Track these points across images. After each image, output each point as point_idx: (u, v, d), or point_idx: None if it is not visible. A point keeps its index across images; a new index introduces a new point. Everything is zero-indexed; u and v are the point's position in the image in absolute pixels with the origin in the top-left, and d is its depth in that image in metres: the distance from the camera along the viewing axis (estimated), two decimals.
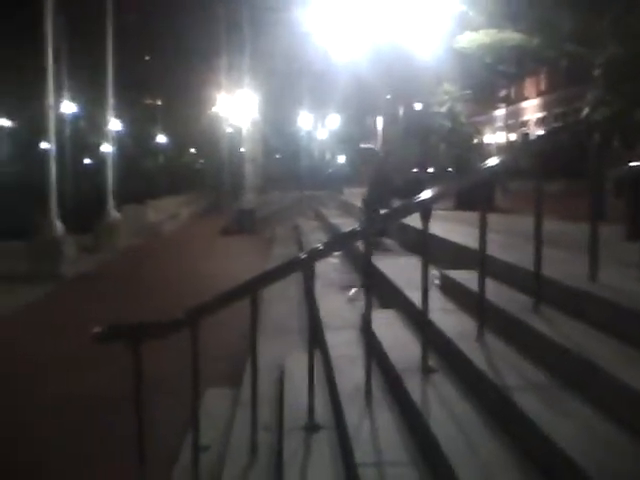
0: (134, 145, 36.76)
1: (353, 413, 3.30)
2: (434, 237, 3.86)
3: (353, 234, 3.87)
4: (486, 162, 3.51)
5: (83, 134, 30.02)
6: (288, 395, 4.09)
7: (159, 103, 41.52)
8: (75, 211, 15.16)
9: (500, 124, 33.58)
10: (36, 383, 5.91)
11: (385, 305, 5.36)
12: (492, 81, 20.66)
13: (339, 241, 4.95)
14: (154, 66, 34.54)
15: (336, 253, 8.43)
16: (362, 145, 11.00)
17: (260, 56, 21.98)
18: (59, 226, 12.52)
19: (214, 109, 29.80)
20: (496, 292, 3.71)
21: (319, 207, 19.19)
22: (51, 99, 12.84)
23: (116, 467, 4.08)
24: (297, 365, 4.35)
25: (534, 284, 3.36)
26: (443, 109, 14.05)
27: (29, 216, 13.20)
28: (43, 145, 20.92)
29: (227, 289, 3.73)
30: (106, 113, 18.56)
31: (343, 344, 4.62)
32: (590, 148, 3.47)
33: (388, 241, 8.16)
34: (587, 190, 3.67)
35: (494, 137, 32.55)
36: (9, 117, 36.32)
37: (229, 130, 30.68)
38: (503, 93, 31.63)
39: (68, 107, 26.27)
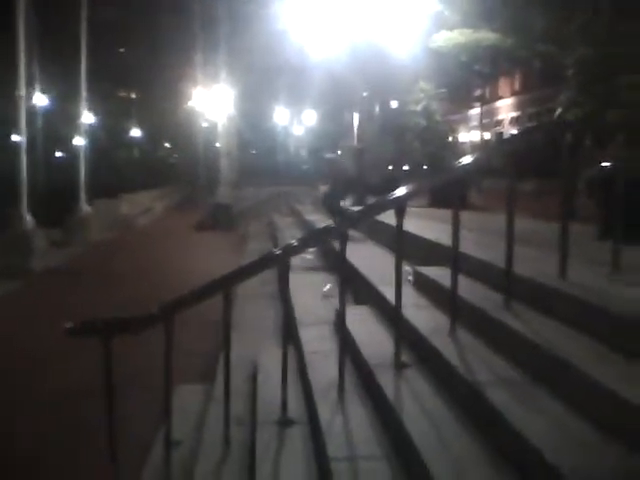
0: (108, 138, 36.29)
1: (326, 408, 3.31)
2: (408, 233, 3.88)
3: (327, 230, 3.87)
4: (460, 160, 3.54)
5: (55, 127, 29.50)
6: (261, 390, 4.09)
7: (134, 96, 41.04)
8: (46, 204, 14.92)
9: (475, 123, 33.89)
10: (5, 378, 5.81)
11: (359, 301, 5.38)
12: (467, 80, 20.86)
13: (314, 237, 4.94)
14: (129, 59, 34.13)
15: (311, 249, 8.44)
16: (327, 155, 11.03)
17: (237, 51, 21.83)
18: (29, 219, 12.30)
19: (190, 103, 29.55)
20: (468, 289, 3.75)
21: (294, 203, 19.15)
22: (22, 90, 12.59)
23: (87, 461, 4.04)
24: (271, 361, 4.35)
25: (505, 281, 3.40)
26: (419, 107, 14.15)
27: None
28: (14, 137, 20.55)
29: (201, 285, 3.72)
30: (79, 106, 18.27)
31: (317, 340, 4.63)
32: (563, 148, 3.52)
33: (356, 234, 8.17)
34: (559, 189, 3.72)
35: (469, 136, 32.85)
36: None
37: (204, 125, 30.46)
38: (478, 92, 31.94)
39: (40, 99, 25.80)
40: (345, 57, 12.25)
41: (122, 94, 40.99)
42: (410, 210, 3.42)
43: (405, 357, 3.47)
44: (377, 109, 20.16)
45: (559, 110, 10.09)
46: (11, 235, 11.96)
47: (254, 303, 7.56)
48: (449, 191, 3.53)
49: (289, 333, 3.90)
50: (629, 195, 3.61)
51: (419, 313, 3.98)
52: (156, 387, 3.68)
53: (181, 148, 42.72)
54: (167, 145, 50.37)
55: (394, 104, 19.04)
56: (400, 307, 3.42)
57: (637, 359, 2.50)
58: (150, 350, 3.89)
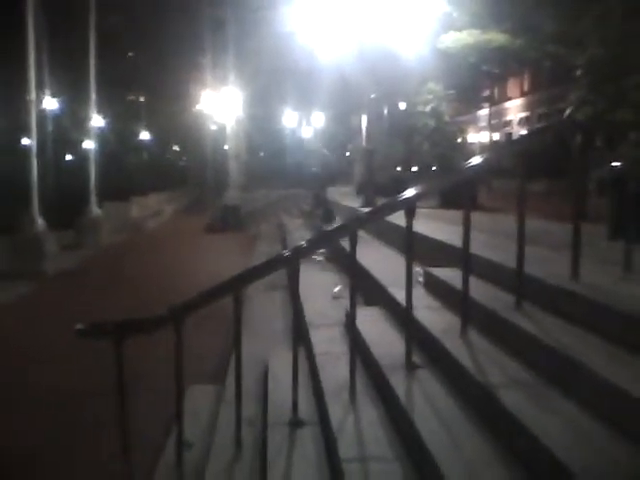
0: (117, 141, 36.42)
1: (337, 409, 3.31)
2: (417, 234, 3.88)
3: (337, 231, 3.88)
4: (470, 161, 3.53)
5: (65, 130, 29.64)
6: (272, 392, 4.09)
7: (143, 100, 41.18)
8: (57, 208, 14.98)
9: (484, 124, 33.79)
10: (17, 378, 5.85)
11: (369, 302, 5.37)
12: (476, 81, 20.82)
13: (323, 239, 4.95)
14: (138, 63, 34.25)
15: (320, 251, 8.45)
16: (313, 169, 11.04)
17: (245, 54, 21.89)
18: (41, 223, 12.40)
19: (198, 106, 29.63)
20: (479, 290, 3.74)
21: (303, 205, 19.18)
22: (33, 94, 12.69)
23: (100, 462, 4.06)
24: (281, 362, 4.35)
25: (517, 282, 3.39)
26: (427, 108, 14.12)
27: (10, 212, 13.04)
28: (25, 141, 20.68)
29: (211, 286, 3.73)
30: (88, 109, 18.38)
31: (327, 341, 4.64)
32: (573, 148, 3.51)
33: (366, 235, 8.17)
34: (570, 190, 3.71)
35: (477, 136, 32.74)
36: None
37: (213, 127, 30.53)
38: (487, 93, 31.85)
39: (50, 103, 25.96)
40: (353, 59, 12.24)
41: (131, 97, 41.14)
42: (420, 211, 3.42)
43: (416, 358, 3.46)
44: (385, 111, 20.15)
45: (569, 110, 10.04)
46: (23, 238, 12.05)
47: (264, 303, 7.58)
48: (459, 192, 3.52)
49: (300, 334, 3.91)
50: None
51: (430, 314, 3.97)
52: (167, 388, 3.69)
53: (190, 151, 42.85)
54: (176, 148, 50.53)
55: (402, 106, 19.02)
56: (411, 308, 3.42)
57: None
58: (160, 351, 3.91)
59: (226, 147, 24.89)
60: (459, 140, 16.53)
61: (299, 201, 21.61)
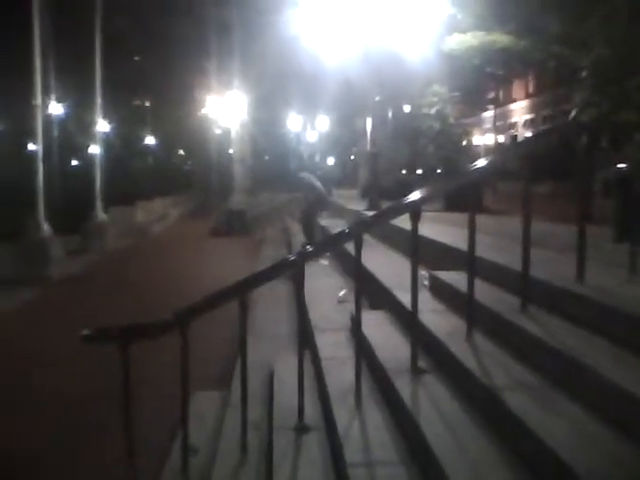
0: (122, 146, 36.59)
1: (343, 414, 3.30)
2: (422, 238, 3.87)
3: (342, 236, 3.87)
4: (475, 163, 3.53)
5: (71, 135, 29.77)
6: (278, 396, 4.09)
7: (148, 104, 41.32)
8: (63, 212, 15.04)
9: (489, 126, 33.77)
10: (21, 381, 5.87)
11: (374, 306, 5.37)
12: (480, 83, 20.78)
13: (328, 243, 4.94)
14: (143, 67, 34.38)
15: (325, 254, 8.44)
16: (301, 175, 11.10)
17: (250, 58, 21.93)
18: (46, 227, 12.43)
19: (203, 110, 29.72)
20: (485, 293, 3.73)
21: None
22: (39, 99, 12.74)
23: (104, 467, 4.06)
24: (287, 366, 4.35)
25: (522, 285, 3.38)
26: (432, 111, 14.11)
27: (16, 217, 13.09)
28: (30, 146, 20.78)
29: (216, 291, 3.73)
30: (94, 114, 18.45)
31: (333, 345, 4.63)
32: (578, 149, 3.50)
33: (371, 239, 8.17)
34: (575, 191, 3.70)
35: (483, 139, 32.73)
36: None
37: (218, 131, 30.61)
38: (491, 95, 31.82)
39: (56, 108, 26.09)
40: (358, 62, 12.26)
41: (137, 102, 41.30)
42: (424, 214, 3.41)
43: (422, 362, 3.45)
44: (390, 113, 20.16)
45: (574, 111, 10.03)
46: (28, 243, 12.09)
47: (269, 307, 7.58)
48: (463, 195, 3.51)
49: (305, 338, 3.90)
50: None
51: (435, 318, 3.96)
52: (172, 393, 3.69)
53: (195, 155, 42.95)
54: (181, 152, 50.68)
55: (407, 108, 19.02)
56: (417, 312, 3.41)
57: None
58: (166, 356, 3.91)
59: (231, 151, 24.95)
60: (464, 143, 16.51)
61: (303, 204, 21.58)
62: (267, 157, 42.43)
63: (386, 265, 6.27)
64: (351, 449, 2.91)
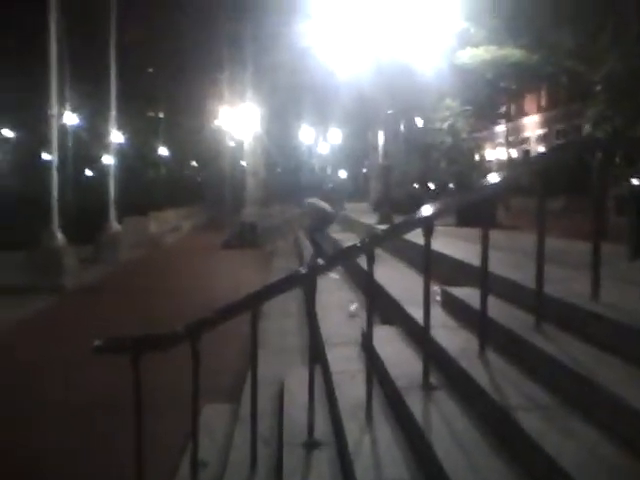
0: (136, 157, 36.85)
1: (353, 429, 3.28)
2: (434, 252, 3.85)
3: (354, 250, 3.86)
4: (488, 179, 3.51)
5: (85, 145, 30.05)
6: (288, 410, 4.07)
7: (161, 115, 41.65)
8: (76, 222, 15.16)
9: (501, 140, 33.68)
10: (36, 393, 5.89)
11: (385, 321, 5.34)
12: (493, 97, 20.76)
13: (340, 256, 4.94)
14: (157, 79, 34.71)
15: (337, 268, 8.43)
16: (308, 200, 11.28)
17: (263, 70, 22.09)
18: (60, 237, 12.52)
19: (216, 122, 29.91)
20: (497, 309, 3.70)
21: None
22: (54, 109, 12.88)
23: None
24: (297, 380, 4.33)
25: (536, 302, 3.35)
26: (445, 125, 14.11)
27: (30, 227, 13.19)
28: (45, 156, 20.98)
29: (228, 303, 3.72)
30: (108, 125, 18.61)
31: (343, 360, 4.61)
32: (593, 165, 3.48)
33: (382, 252, 8.16)
34: (589, 208, 3.67)
35: (495, 153, 32.62)
36: (12, 128, 36.49)
37: (231, 143, 30.77)
38: (503, 109, 31.74)
39: (70, 118, 26.35)
40: (370, 75, 12.31)
41: (150, 113, 41.63)
42: (436, 229, 3.40)
43: (433, 378, 3.43)
44: (402, 127, 20.16)
45: (588, 126, 9.99)
46: (42, 253, 12.17)
47: (279, 319, 7.57)
48: (475, 210, 3.50)
49: (316, 352, 3.89)
50: None
51: (447, 334, 3.94)
52: (180, 405, 3.68)
53: (208, 167, 43.17)
54: (194, 164, 50.96)
55: (419, 122, 19.02)
56: (429, 327, 3.39)
57: None
58: (176, 367, 3.90)
59: (244, 163, 25.07)
60: (476, 157, 16.47)
61: None
62: (279, 169, 42.58)
63: (397, 279, 6.25)
64: (362, 466, 2.89)
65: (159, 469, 3.95)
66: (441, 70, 12.61)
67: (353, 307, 6.48)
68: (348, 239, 10.29)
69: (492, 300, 3.52)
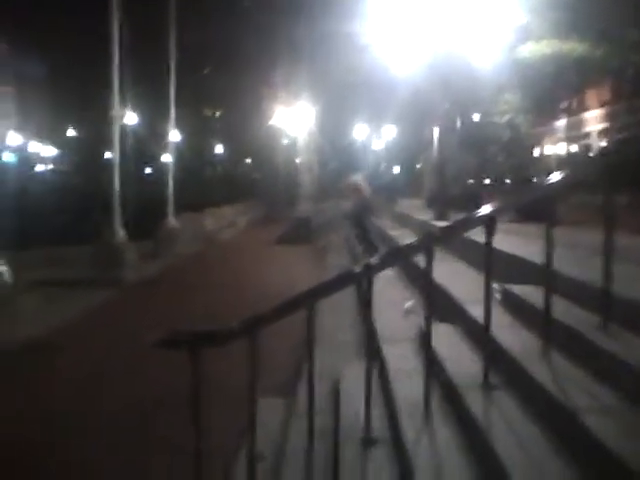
0: (193, 155, 37.56)
1: (411, 428, 3.24)
2: (493, 249, 3.76)
3: (412, 248, 3.81)
4: (553, 176, 3.41)
5: (144, 144, 30.82)
6: (344, 407, 4.06)
7: (218, 115, 42.31)
8: (136, 218, 15.56)
9: (561, 135, 32.73)
10: (101, 387, 6.06)
11: (442, 318, 5.26)
12: (553, 91, 20.23)
13: (398, 254, 4.87)
14: (213, 79, 35.26)
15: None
16: (353, 177, 11.24)
17: (318, 69, 22.14)
18: (121, 233, 12.88)
19: (271, 121, 30.18)
20: (561, 308, 3.58)
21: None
22: (116, 109, 13.24)
23: (172, 473, 4.14)
24: (352, 377, 4.32)
25: (603, 301, 3.23)
26: (504, 119, 13.83)
27: (93, 223, 13.63)
28: (107, 155, 21.62)
29: (284, 300, 3.73)
30: (167, 124, 19.01)
31: (399, 357, 4.57)
32: None
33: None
34: None
35: (554, 148, 31.75)
36: (76, 128, 37.78)
37: (285, 141, 30.99)
38: (564, 104, 30.86)
39: (130, 118, 27.06)
40: (426, 70, 12.17)
41: (207, 113, 42.34)
42: None
43: (492, 378, 3.35)
44: (458, 122, 19.86)
45: None
46: (104, 247, 12.57)
47: (332, 314, 7.55)
48: (536, 206, 3.40)
49: (372, 349, 3.87)
50: None
51: (508, 333, 3.84)
52: (236, 400, 3.70)
53: (262, 164, 43.62)
54: (248, 161, 51.58)
55: (476, 117, 18.70)
56: (489, 326, 3.32)
57: None
58: (231, 362, 3.94)
59: (298, 160, 25.20)
60: (535, 152, 16.08)
61: None
62: (333, 166, 42.62)
63: (454, 277, 6.14)
64: (420, 466, 2.85)
65: (216, 461, 4.00)
66: (500, 64, 12.36)
67: (408, 304, 6.41)
68: (402, 235, 10.21)
69: (555, 298, 3.41)
